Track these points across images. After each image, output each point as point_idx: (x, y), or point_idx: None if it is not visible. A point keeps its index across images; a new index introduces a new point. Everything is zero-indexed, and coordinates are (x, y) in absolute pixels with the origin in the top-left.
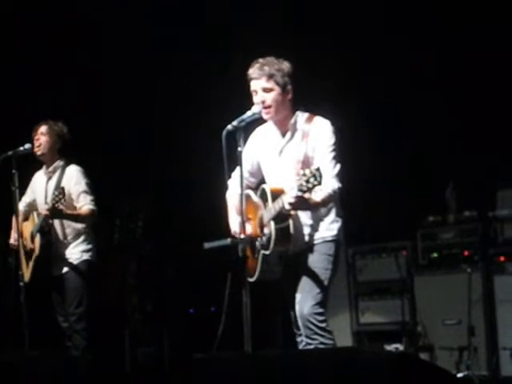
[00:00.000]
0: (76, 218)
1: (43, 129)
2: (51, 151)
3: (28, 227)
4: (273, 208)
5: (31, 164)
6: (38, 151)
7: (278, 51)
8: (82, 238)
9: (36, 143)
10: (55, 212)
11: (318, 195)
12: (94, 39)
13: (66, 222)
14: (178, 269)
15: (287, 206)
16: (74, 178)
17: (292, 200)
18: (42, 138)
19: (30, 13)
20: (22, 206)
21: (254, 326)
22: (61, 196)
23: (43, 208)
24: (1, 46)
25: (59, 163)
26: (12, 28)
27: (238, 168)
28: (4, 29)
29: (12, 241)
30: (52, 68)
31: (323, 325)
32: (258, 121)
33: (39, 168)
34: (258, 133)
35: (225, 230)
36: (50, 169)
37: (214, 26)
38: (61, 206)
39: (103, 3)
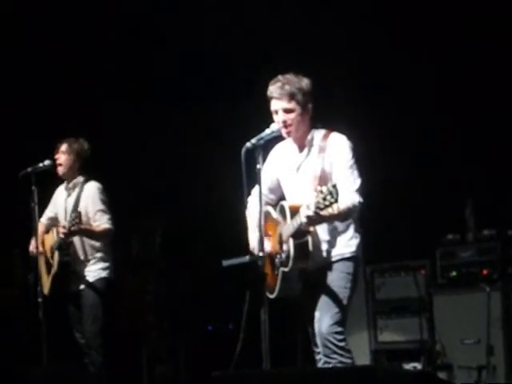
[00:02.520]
0: (92, 234)
1: (63, 147)
2: (72, 169)
3: (49, 240)
4: (291, 225)
5: (51, 180)
6: (59, 171)
7: (295, 69)
8: (99, 256)
9: (57, 162)
10: (71, 234)
11: (335, 208)
12: (112, 56)
13: (86, 240)
14: (195, 286)
15: (304, 225)
16: (91, 196)
17: (309, 218)
18: (62, 156)
19: (49, 30)
20: (44, 219)
21: (272, 344)
22: (77, 220)
23: (62, 225)
24: (29, 61)
25: (79, 179)
26: (34, 45)
27: (257, 185)
28: (25, 46)
29: (32, 248)
30: (71, 87)
31: (342, 344)
32: (277, 138)
33: (59, 184)
34: (277, 150)
35: (243, 247)
36: (70, 185)
37: (219, 49)
38: (77, 228)
39: (121, 17)
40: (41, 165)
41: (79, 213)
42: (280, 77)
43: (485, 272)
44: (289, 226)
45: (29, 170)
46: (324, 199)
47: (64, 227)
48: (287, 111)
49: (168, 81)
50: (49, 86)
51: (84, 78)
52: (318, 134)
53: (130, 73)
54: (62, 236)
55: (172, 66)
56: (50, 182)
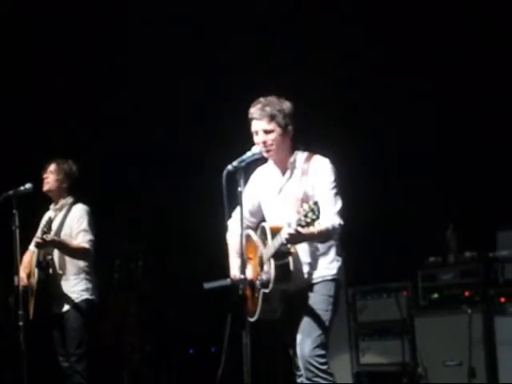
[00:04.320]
0: (67, 249)
1: (52, 167)
2: (58, 189)
3: (33, 264)
4: (272, 245)
5: (32, 204)
6: (46, 188)
7: (276, 90)
8: (82, 277)
9: (45, 180)
10: (45, 243)
11: (315, 228)
12: (98, 80)
13: (68, 258)
14: (177, 309)
15: (285, 240)
16: (77, 217)
17: (290, 233)
18: (50, 176)
19: (42, 49)
20: (32, 246)
21: (254, 367)
22: (47, 225)
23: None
24: (10, 83)
25: (67, 201)
26: (24, 64)
27: (238, 208)
28: (15, 65)
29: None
30: (56, 110)
31: (325, 367)
32: (258, 161)
33: (41, 207)
34: (259, 173)
35: (225, 271)
36: (58, 206)
37: (213, 68)
38: (49, 237)
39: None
40: (22, 188)
41: (50, 220)
42: (261, 98)
43: (466, 294)
44: (270, 247)
45: (10, 192)
46: (305, 216)
47: (37, 237)
48: (267, 132)
49: (149, 106)
50: (29, 111)
51: (67, 104)
52: (300, 157)
53: (113, 99)
54: (35, 244)
55: (152, 92)
56: (31, 205)
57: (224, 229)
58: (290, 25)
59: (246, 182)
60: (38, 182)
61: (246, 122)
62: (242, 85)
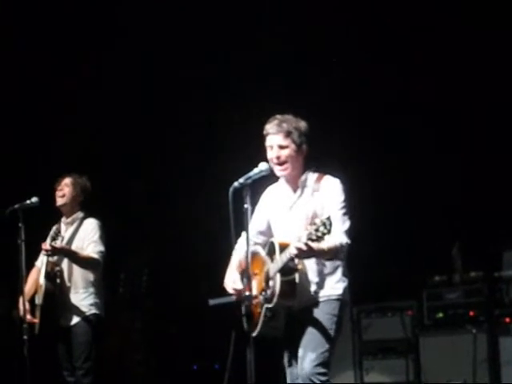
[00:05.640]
0: (76, 258)
1: (68, 180)
2: (73, 203)
3: (39, 282)
4: (280, 260)
5: (38, 218)
6: (60, 201)
7: (285, 109)
8: (91, 291)
9: (59, 193)
10: (54, 250)
11: (325, 243)
12: (100, 95)
13: (76, 270)
14: (182, 325)
15: (293, 254)
16: (89, 230)
17: (299, 247)
18: (65, 188)
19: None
20: (39, 261)
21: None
22: (57, 231)
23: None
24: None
25: (78, 215)
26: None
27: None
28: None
29: (21, 311)
30: (61, 125)
31: None
32: (266, 178)
33: (47, 221)
34: (269, 191)
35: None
36: (69, 220)
37: (218, 85)
38: (58, 244)
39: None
40: (28, 202)
41: (58, 227)
42: (278, 115)
43: (471, 314)
44: (277, 261)
45: (16, 206)
46: (316, 230)
47: (45, 244)
48: (282, 147)
49: (154, 120)
50: (35, 125)
51: (69, 117)
52: (311, 176)
53: (114, 109)
54: (44, 253)
55: (157, 106)
56: (36, 219)
57: (229, 244)
58: (292, 40)
59: (252, 198)
60: (45, 195)
61: (253, 137)
62: (250, 104)
